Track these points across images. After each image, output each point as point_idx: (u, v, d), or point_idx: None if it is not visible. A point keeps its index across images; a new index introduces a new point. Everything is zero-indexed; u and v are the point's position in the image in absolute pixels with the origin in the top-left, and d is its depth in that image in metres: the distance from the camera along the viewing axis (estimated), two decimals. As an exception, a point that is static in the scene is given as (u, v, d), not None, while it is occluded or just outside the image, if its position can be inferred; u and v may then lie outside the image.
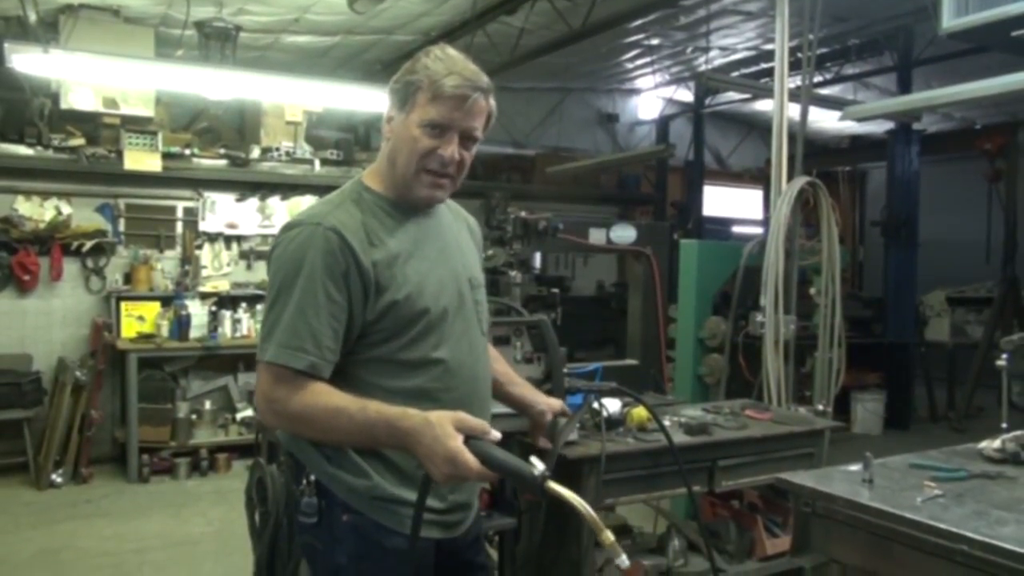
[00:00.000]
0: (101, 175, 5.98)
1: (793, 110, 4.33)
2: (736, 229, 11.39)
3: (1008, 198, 8.37)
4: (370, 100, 5.83)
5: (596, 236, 4.51)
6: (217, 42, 5.92)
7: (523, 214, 3.83)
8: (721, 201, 12.09)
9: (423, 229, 1.72)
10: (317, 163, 6.66)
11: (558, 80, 9.64)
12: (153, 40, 5.91)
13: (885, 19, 7.56)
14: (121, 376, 5.86)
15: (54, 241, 5.83)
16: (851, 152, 10.10)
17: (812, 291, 4.44)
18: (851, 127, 9.41)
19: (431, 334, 1.65)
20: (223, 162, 6.41)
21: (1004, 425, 2.42)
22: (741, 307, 4.45)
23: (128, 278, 6.12)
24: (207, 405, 6.19)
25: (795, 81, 5.28)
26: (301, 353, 1.53)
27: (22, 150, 5.74)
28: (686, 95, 11.11)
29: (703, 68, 8.98)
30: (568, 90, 10.40)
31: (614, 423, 2.66)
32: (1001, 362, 2.66)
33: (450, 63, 1.62)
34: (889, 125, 8.37)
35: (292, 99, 6.37)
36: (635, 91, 11.22)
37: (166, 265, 6.27)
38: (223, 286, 6.35)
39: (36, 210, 5.86)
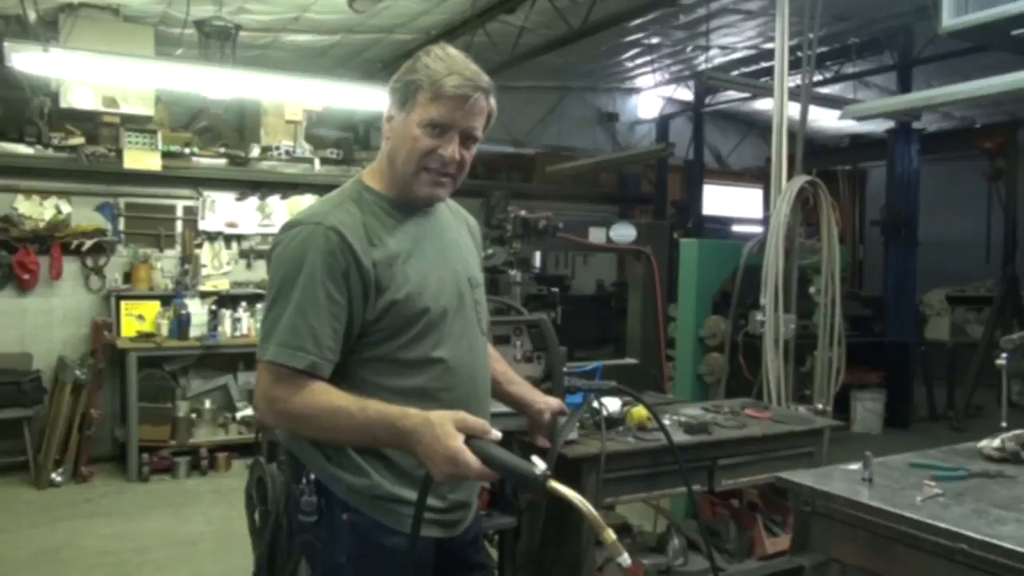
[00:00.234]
0: (101, 174, 5.97)
1: (793, 109, 4.33)
2: (736, 228, 11.39)
3: (1008, 197, 8.37)
4: (370, 99, 5.83)
5: (596, 235, 4.51)
6: (217, 41, 5.91)
7: (523, 213, 3.83)
8: (721, 200, 12.10)
9: (423, 228, 1.72)
10: (317, 162, 6.66)
11: (558, 79, 9.64)
12: (153, 39, 5.90)
13: (885, 18, 7.56)
14: (121, 375, 5.86)
15: (54, 240, 5.82)
16: (851, 151, 10.10)
17: (812, 290, 4.44)
18: (851, 126, 9.41)
19: (431, 334, 1.65)
20: (223, 161, 6.40)
21: (1004, 424, 2.42)
22: (741, 306, 4.45)
23: (128, 277, 6.12)
24: (207, 404, 6.20)
25: (795, 80, 5.28)
26: (301, 352, 1.53)
27: (22, 149, 5.73)
28: (686, 94, 11.12)
29: (703, 67, 8.99)
30: (568, 89, 10.40)
31: (614, 422, 2.67)
32: (1001, 361, 2.67)
33: (451, 62, 1.62)
34: (889, 124, 8.37)
35: (292, 98, 6.37)
36: (635, 90, 11.22)
37: (166, 264, 6.27)
38: (223, 285, 6.35)
39: (36, 209, 5.86)
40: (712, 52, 8.90)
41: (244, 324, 6.22)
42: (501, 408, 2.00)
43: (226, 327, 6.18)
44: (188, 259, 6.34)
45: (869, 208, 11.45)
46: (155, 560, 4.23)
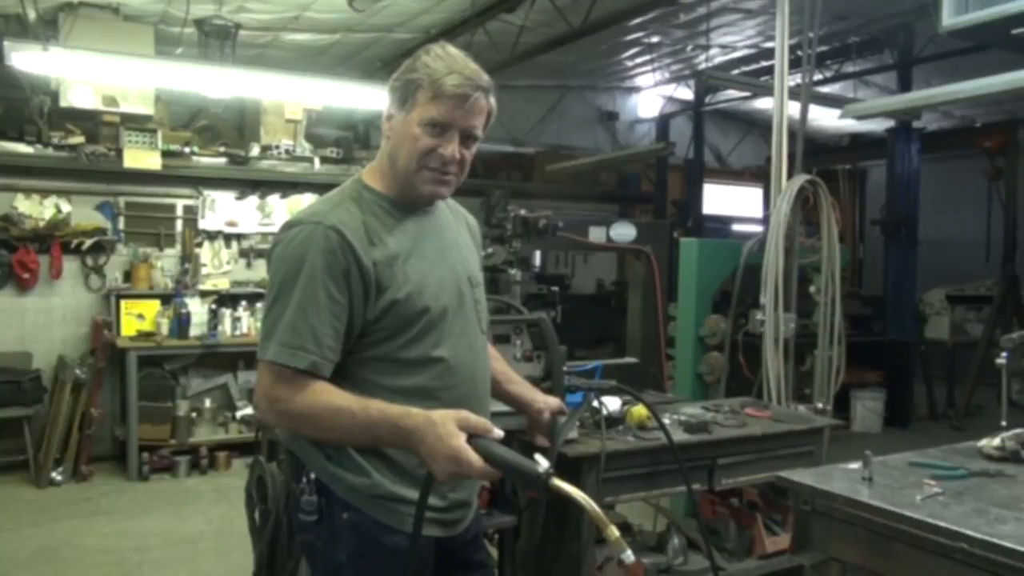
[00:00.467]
0: (101, 173, 5.97)
1: (793, 108, 4.33)
2: (736, 227, 11.40)
3: (1008, 196, 8.37)
4: (370, 98, 5.82)
5: (596, 234, 4.52)
6: (217, 40, 5.91)
7: (523, 212, 3.83)
8: (721, 199, 12.10)
9: (423, 228, 1.72)
10: (317, 161, 6.66)
11: (558, 78, 9.63)
12: (152, 38, 5.91)
13: (885, 17, 7.55)
14: (121, 374, 5.86)
15: (54, 239, 5.82)
16: (851, 150, 10.10)
17: (812, 289, 4.44)
18: (851, 125, 9.41)
19: (431, 333, 1.65)
20: (223, 160, 6.40)
21: (1004, 423, 2.43)
22: (741, 305, 4.45)
23: (128, 276, 6.12)
24: (207, 403, 6.20)
25: (795, 79, 5.28)
26: (302, 352, 1.53)
27: (22, 148, 5.73)
28: (686, 93, 11.11)
29: (703, 66, 8.97)
30: (568, 88, 10.40)
31: (614, 421, 2.67)
32: (1001, 360, 2.67)
33: (451, 61, 1.62)
34: (889, 123, 8.38)
35: (292, 97, 6.37)
36: (635, 89, 11.21)
37: (166, 263, 6.27)
38: (223, 284, 6.35)
39: (36, 208, 5.86)
40: (712, 51, 8.90)
41: (244, 323, 6.22)
42: (501, 407, 2.00)
43: (226, 326, 6.18)
44: (188, 258, 6.34)
45: (869, 207, 11.44)
46: (155, 559, 4.23)
